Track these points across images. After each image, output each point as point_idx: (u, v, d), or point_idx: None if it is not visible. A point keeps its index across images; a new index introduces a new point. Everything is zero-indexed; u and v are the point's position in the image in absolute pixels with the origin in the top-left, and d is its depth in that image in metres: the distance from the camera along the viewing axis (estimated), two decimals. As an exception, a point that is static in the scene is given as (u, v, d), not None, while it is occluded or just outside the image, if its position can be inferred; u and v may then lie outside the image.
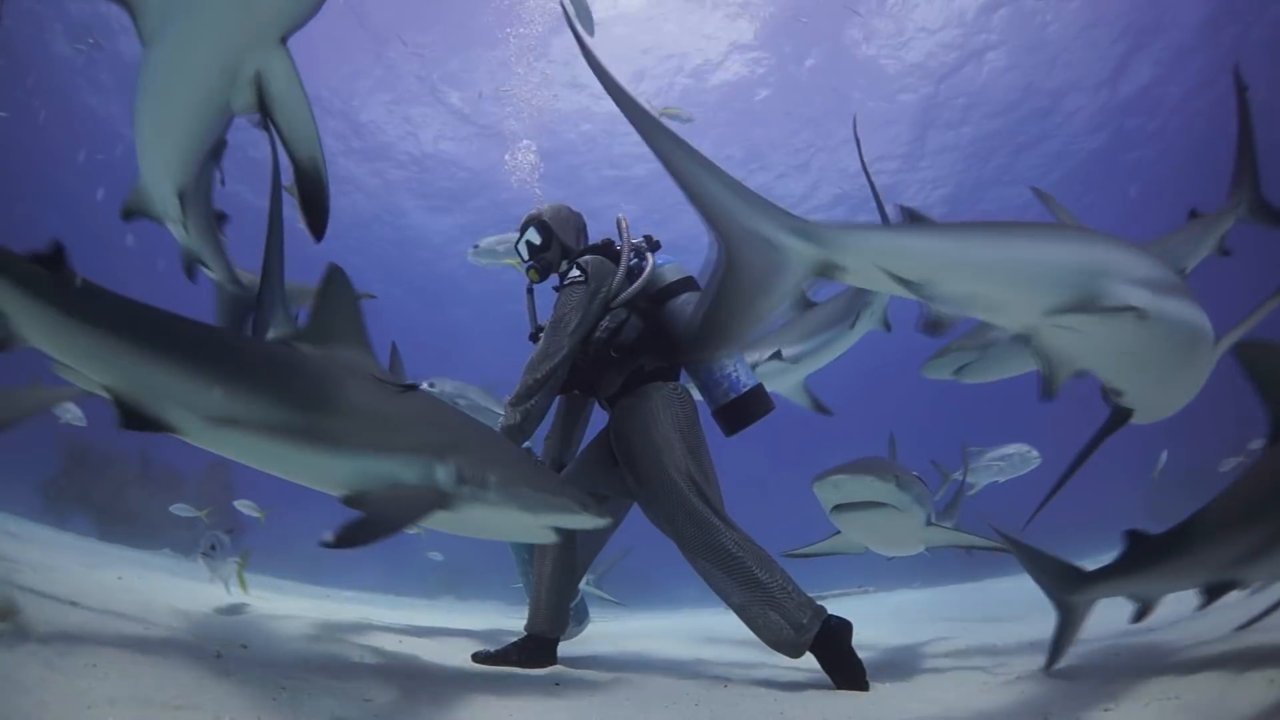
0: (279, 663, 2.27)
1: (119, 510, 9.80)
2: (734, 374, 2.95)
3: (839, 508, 3.02)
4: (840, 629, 2.59)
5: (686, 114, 6.01)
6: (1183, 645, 2.67)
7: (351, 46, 13.28)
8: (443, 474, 1.96)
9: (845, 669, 2.53)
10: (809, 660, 2.62)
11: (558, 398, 3.20)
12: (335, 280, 2.14)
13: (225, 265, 2.82)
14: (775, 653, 2.66)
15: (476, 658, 2.97)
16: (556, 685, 2.42)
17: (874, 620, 5.19)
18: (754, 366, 3.93)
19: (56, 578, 3.51)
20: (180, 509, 7.13)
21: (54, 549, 5.39)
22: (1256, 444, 4.05)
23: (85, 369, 1.82)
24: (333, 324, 2.14)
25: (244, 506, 6.73)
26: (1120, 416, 2.56)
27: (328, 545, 1.65)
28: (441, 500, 1.93)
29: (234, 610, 3.68)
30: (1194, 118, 14.04)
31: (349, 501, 1.85)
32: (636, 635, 4.81)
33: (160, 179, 2.31)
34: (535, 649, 3.01)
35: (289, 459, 1.94)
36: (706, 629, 5.38)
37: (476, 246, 4.99)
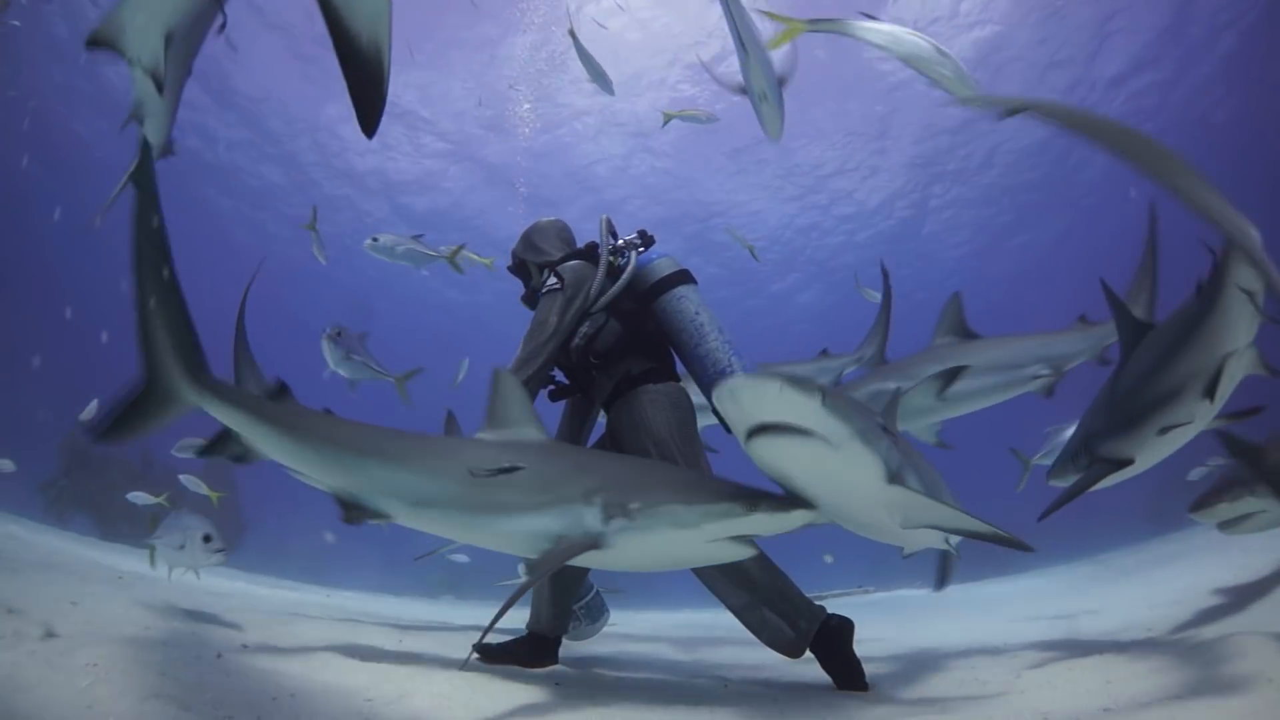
0: (279, 663, 2.27)
1: (120, 510, 9.79)
2: (731, 371, 2.92)
3: (754, 434, 2.00)
4: (840, 629, 2.58)
5: (706, 114, 5.94)
6: (1183, 645, 2.67)
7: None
8: (590, 516, 2.04)
9: (845, 669, 2.53)
10: (809, 660, 2.62)
11: (563, 402, 3.22)
12: (502, 381, 2.46)
13: (168, 130, 2.40)
14: (776, 653, 2.66)
15: (478, 647, 2.97)
16: (556, 685, 2.42)
17: (874, 620, 5.20)
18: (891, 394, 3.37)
19: (57, 578, 3.51)
20: (138, 497, 7.09)
21: (55, 549, 5.39)
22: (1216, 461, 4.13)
23: (312, 475, 2.28)
24: (505, 414, 2.41)
25: (190, 482, 6.29)
26: (1097, 473, 2.73)
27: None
28: (593, 540, 2.02)
29: (234, 610, 3.68)
30: (1192, 117, 14.03)
31: (528, 570, 2.10)
32: (636, 635, 4.81)
33: (153, 12, 1.92)
34: (536, 648, 3.01)
35: (470, 529, 2.26)
36: (706, 629, 5.38)
37: (375, 240, 5.05)
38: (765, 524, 2.04)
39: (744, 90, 3.08)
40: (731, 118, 7.58)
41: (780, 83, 3.07)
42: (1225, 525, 3.08)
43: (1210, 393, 2.52)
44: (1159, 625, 3.24)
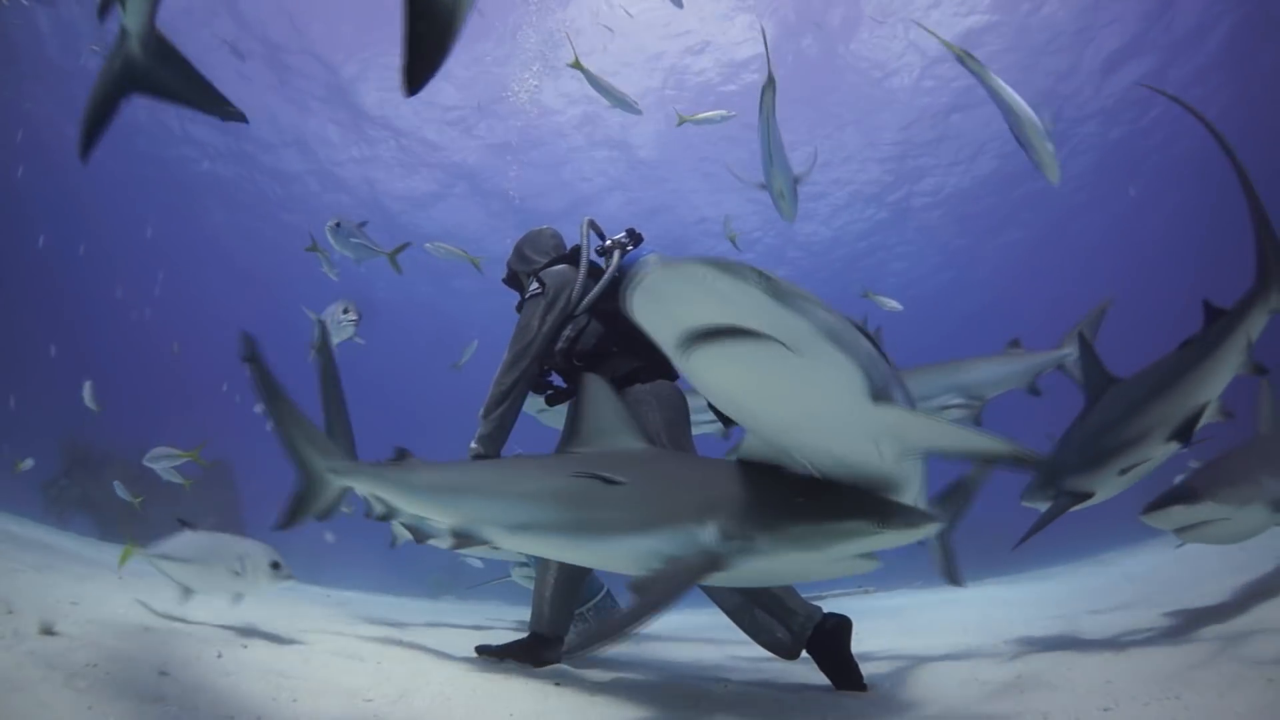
0: (279, 662, 2.27)
1: (120, 510, 9.80)
2: None
3: (688, 344, 1.53)
4: (836, 630, 2.58)
5: (720, 114, 5.89)
6: (1183, 645, 2.67)
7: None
8: (706, 536, 1.86)
9: (841, 669, 2.53)
10: (810, 660, 2.62)
11: (566, 402, 3.22)
12: (593, 388, 2.40)
13: (152, 12, 1.90)
14: (773, 655, 2.66)
15: (480, 650, 2.98)
16: (556, 685, 2.42)
17: (875, 620, 5.19)
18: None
19: (57, 578, 3.51)
20: (118, 488, 7.11)
21: (55, 549, 5.39)
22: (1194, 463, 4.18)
23: (436, 518, 2.50)
24: (599, 424, 2.35)
25: (156, 462, 5.98)
26: (1063, 504, 2.97)
27: (570, 652, 1.96)
28: (710, 563, 1.84)
29: (234, 610, 3.67)
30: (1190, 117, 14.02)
31: (634, 588, 1.92)
32: (636, 636, 4.80)
33: None
34: (538, 648, 3.01)
35: (574, 550, 2.23)
36: (706, 629, 5.38)
37: (338, 225, 5.02)
38: (895, 540, 1.87)
39: (764, 187, 3.39)
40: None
41: (796, 180, 3.36)
42: (1182, 532, 2.89)
43: (1181, 436, 2.75)
44: (1159, 625, 3.24)
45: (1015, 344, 3.95)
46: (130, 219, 18.55)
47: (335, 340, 4.59)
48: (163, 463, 5.88)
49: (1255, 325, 2.74)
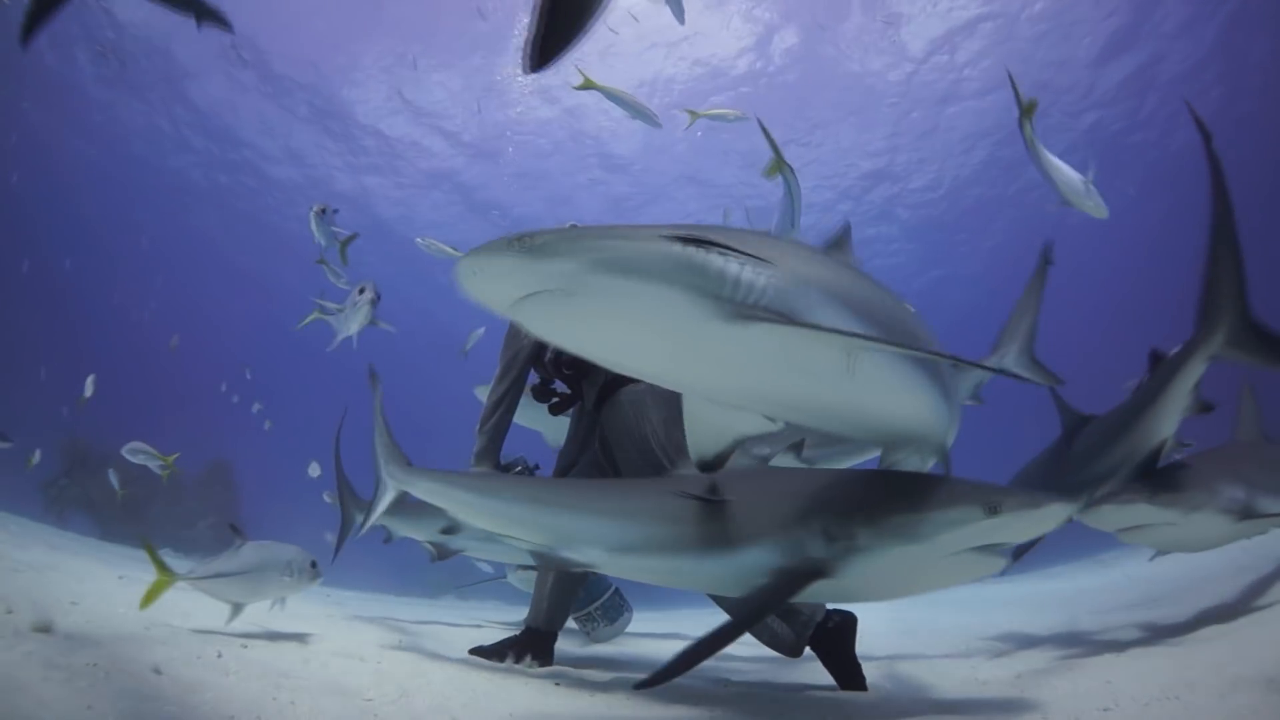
0: (279, 662, 2.27)
1: (120, 510, 9.80)
2: None
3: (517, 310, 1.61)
4: (841, 627, 2.58)
5: (734, 114, 5.82)
6: (1183, 645, 2.67)
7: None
8: (810, 543, 1.78)
9: (845, 668, 2.53)
10: (810, 660, 2.62)
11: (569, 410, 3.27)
12: (690, 405, 2.21)
13: None
14: (776, 653, 2.66)
15: (475, 651, 2.99)
16: (556, 685, 2.42)
17: (875, 620, 5.19)
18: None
19: (57, 578, 3.51)
20: (111, 476, 7.30)
21: (55, 549, 5.39)
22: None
23: (518, 536, 2.33)
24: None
25: (135, 455, 6.25)
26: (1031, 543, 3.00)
27: (651, 682, 1.71)
28: (814, 570, 1.74)
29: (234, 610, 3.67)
30: (1187, 116, 13.99)
31: (733, 605, 1.94)
32: (636, 635, 4.81)
33: None
34: (532, 643, 3.01)
35: (676, 573, 2.10)
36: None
37: (323, 210, 5.01)
38: (1014, 527, 1.73)
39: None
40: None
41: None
42: (1124, 534, 2.83)
43: (1146, 469, 2.83)
44: (1160, 625, 3.24)
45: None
46: (129, 222, 18.60)
47: (355, 327, 4.18)
48: (140, 456, 6.20)
49: (1195, 372, 2.71)
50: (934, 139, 15.54)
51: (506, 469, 3.80)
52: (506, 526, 2.35)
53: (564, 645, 3.32)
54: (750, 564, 1.85)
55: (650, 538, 2.08)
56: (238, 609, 2.83)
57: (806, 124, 15.10)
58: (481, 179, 16.62)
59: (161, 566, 2.56)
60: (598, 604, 4.31)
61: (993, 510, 1.70)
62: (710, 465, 2.11)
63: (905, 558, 1.75)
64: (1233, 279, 2.52)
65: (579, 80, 4.86)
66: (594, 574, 4.36)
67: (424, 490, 2.57)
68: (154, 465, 6.24)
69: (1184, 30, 12.58)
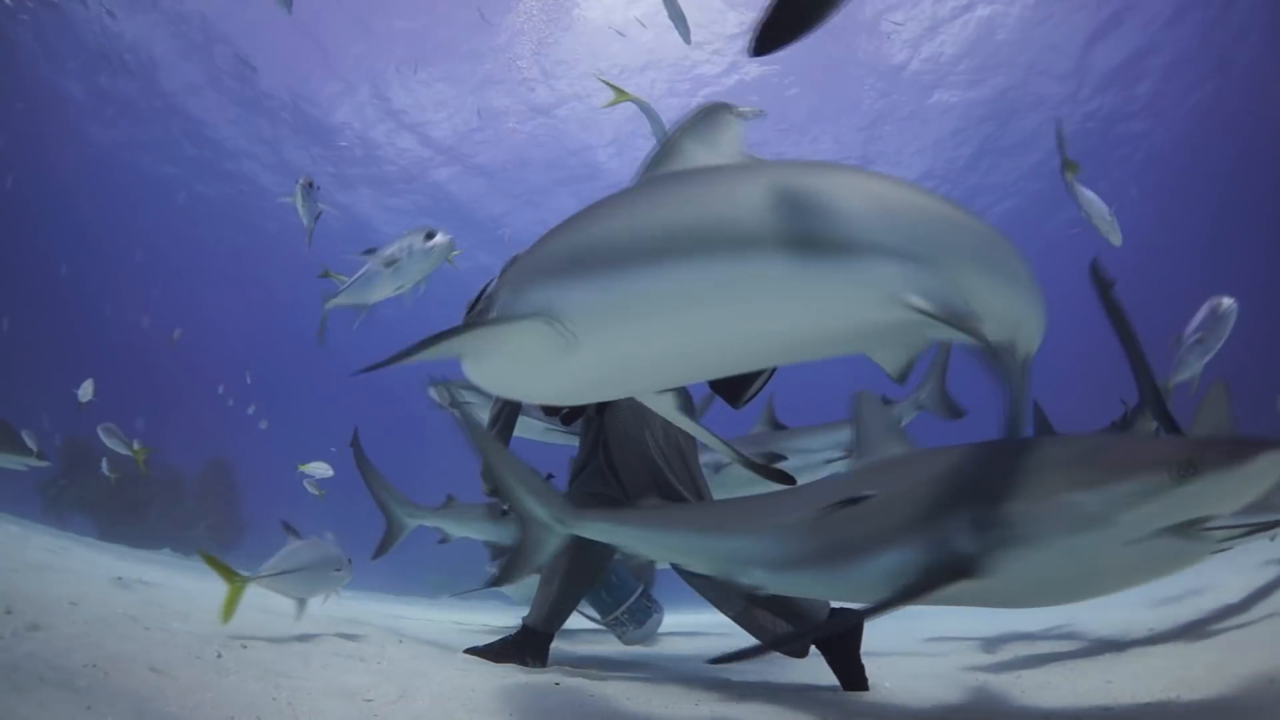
0: (279, 662, 2.27)
1: (119, 510, 9.80)
2: None
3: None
4: (844, 626, 2.57)
5: (755, 111, 5.77)
6: (1183, 645, 2.67)
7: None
8: (957, 536, 1.50)
9: (849, 668, 2.53)
10: (812, 660, 2.62)
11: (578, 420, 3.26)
12: (863, 402, 2.17)
13: None
14: (778, 652, 2.66)
15: (470, 651, 2.99)
16: (557, 685, 2.42)
17: (875, 620, 5.18)
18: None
19: (56, 578, 3.51)
20: (104, 465, 7.51)
21: (54, 549, 5.38)
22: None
23: (691, 565, 2.27)
24: (871, 438, 2.09)
25: (109, 437, 6.30)
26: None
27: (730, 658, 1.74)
28: (962, 567, 1.45)
29: (235, 611, 3.67)
30: (1188, 115, 14.00)
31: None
32: (663, 634, 4.79)
33: None
34: (526, 643, 3.00)
35: (829, 584, 1.94)
36: (706, 628, 5.38)
37: (310, 185, 4.83)
38: (1218, 491, 1.31)
39: None
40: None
41: None
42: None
43: None
44: (1160, 625, 3.24)
45: (883, 399, 4.07)
46: (128, 226, 18.62)
47: (420, 273, 3.36)
48: (113, 440, 6.33)
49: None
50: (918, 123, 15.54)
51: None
52: (680, 557, 2.33)
53: (565, 645, 3.32)
54: (890, 568, 1.61)
55: (792, 553, 1.92)
56: (302, 604, 2.87)
57: (807, 117, 15.14)
58: (476, 190, 16.66)
59: (230, 573, 2.46)
60: (624, 607, 4.26)
61: (1188, 472, 1.30)
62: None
63: (1075, 551, 1.39)
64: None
65: (584, 90, 4.80)
66: (618, 576, 4.35)
67: (594, 531, 2.43)
68: (122, 450, 6.40)
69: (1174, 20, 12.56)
